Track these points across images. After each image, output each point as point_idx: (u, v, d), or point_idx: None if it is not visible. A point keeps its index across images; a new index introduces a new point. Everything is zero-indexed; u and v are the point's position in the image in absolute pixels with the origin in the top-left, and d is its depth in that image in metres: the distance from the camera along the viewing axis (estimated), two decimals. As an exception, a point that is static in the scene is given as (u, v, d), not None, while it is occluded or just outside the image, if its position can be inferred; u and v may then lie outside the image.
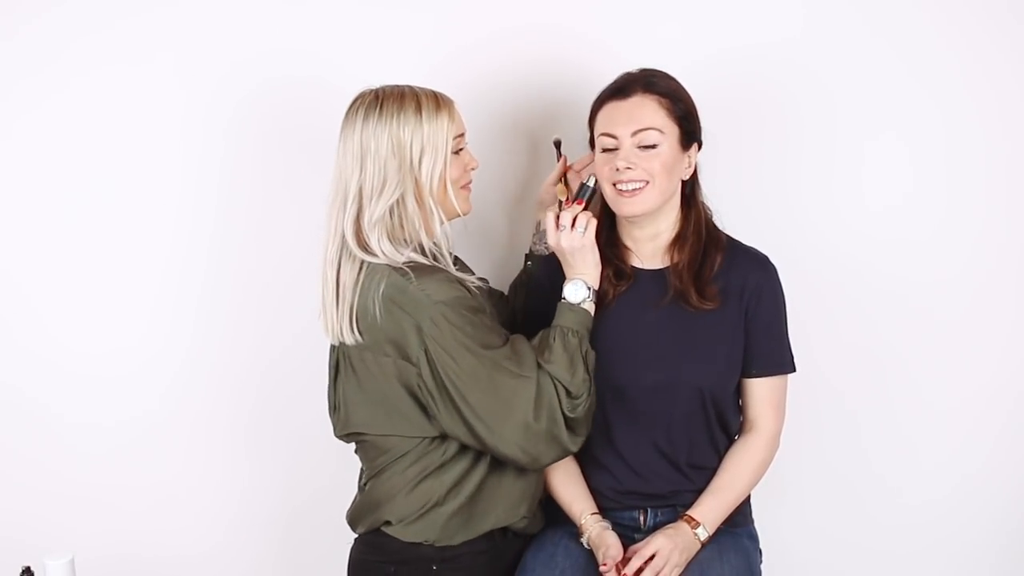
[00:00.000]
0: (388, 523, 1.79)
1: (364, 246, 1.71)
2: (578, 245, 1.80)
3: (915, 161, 2.13)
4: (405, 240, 1.73)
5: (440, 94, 1.75)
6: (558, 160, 2.02)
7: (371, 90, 1.75)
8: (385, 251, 1.70)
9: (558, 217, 1.81)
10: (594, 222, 1.81)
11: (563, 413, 1.73)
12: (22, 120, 2.14)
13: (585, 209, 1.83)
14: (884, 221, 2.14)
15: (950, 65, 2.09)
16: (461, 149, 1.78)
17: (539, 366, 1.73)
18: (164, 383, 2.24)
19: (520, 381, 1.71)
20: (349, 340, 1.73)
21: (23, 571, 1.76)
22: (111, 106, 2.13)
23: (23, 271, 2.19)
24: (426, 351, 1.68)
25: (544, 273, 1.95)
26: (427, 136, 1.70)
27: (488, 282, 1.95)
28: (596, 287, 1.82)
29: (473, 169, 1.82)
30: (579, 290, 1.80)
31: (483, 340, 1.70)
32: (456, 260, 1.83)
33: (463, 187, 1.79)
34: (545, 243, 1.95)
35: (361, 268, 1.71)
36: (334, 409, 1.85)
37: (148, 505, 2.27)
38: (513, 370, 1.71)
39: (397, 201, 1.71)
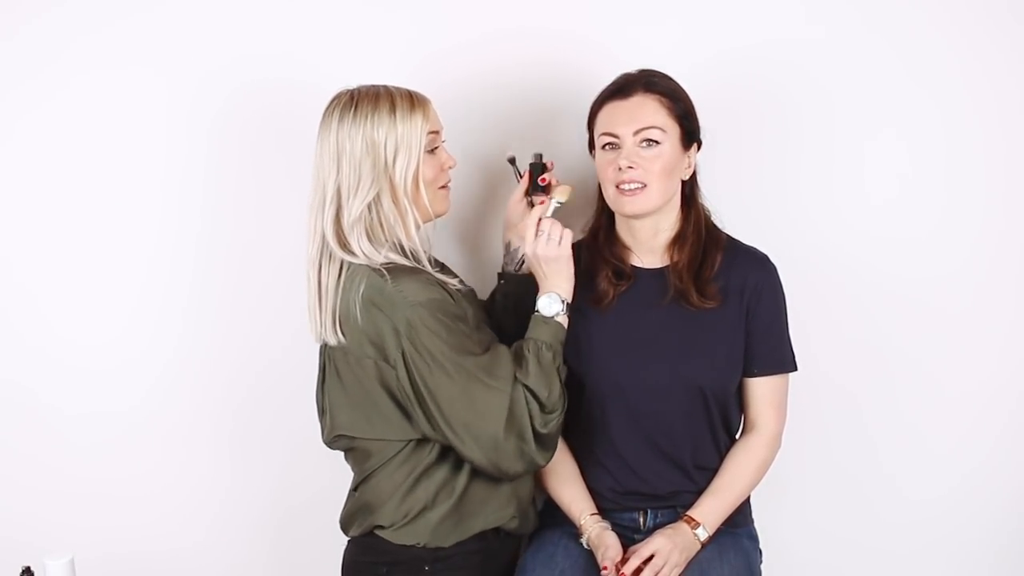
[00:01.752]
0: (380, 527, 1.79)
1: (344, 246, 1.71)
2: (553, 255, 1.78)
3: (914, 160, 2.12)
4: (384, 239, 1.73)
5: (416, 93, 1.75)
6: (518, 177, 1.97)
7: (347, 90, 1.75)
8: (365, 251, 1.70)
9: (539, 223, 1.79)
10: (569, 235, 1.80)
11: (533, 428, 1.71)
12: (21, 120, 2.15)
13: (541, 183, 1.84)
14: (884, 219, 2.14)
15: (949, 64, 2.08)
16: (436, 147, 1.77)
17: (515, 379, 1.72)
18: (162, 384, 2.23)
19: (493, 393, 1.70)
20: (332, 341, 1.73)
21: (23, 571, 1.76)
22: (109, 107, 2.13)
23: (22, 271, 2.19)
24: (403, 353, 1.67)
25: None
26: (401, 136, 1.70)
27: (475, 293, 1.95)
28: (569, 301, 1.81)
29: (450, 167, 1.81)
30: (553, 303, 1.78)
31: (460, 346, 1.69)
32: (437, 263, 1.82)
33: (441, 187, 1.78)
34: (519, 262, 1.94)
35: (342, 269, 1.71)
36: (322, 412, 1.84)
37: (148, 506, 2.27)
38: (487, 382, 1.70)
39: (373, 200, 1.71)
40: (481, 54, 2.10)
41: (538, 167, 1.89)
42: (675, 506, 1.90)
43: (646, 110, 1.81)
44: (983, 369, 2.17)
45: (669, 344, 1.87)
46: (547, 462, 1.78)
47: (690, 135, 1.86)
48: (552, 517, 1.97)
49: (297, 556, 2.29)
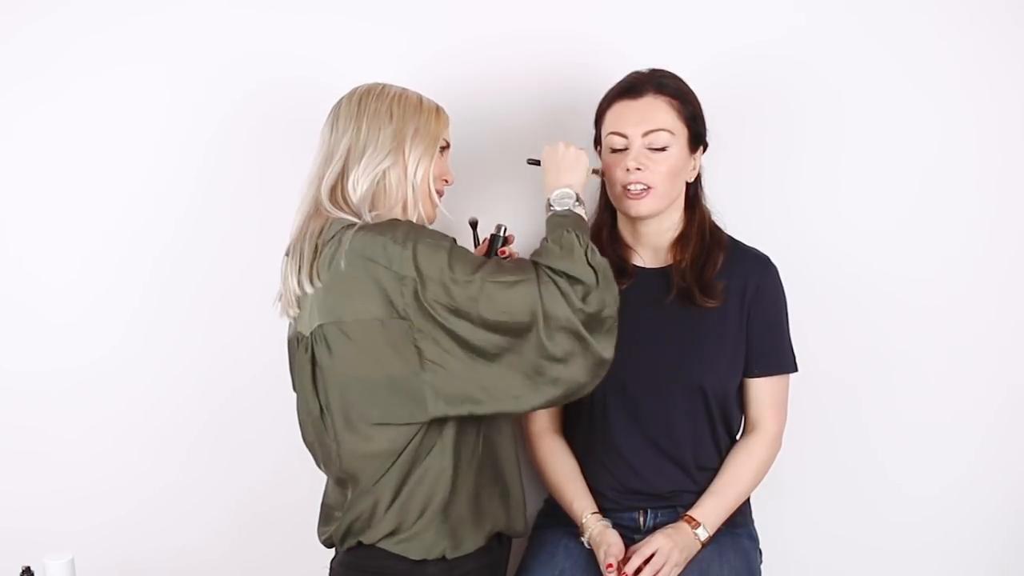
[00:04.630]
0: (391, 535, 1.66)
1: (337, 202, 1.66)
2: (574, 154, 1.73)
3: (915, 161, 2.13)
4: (384, 214, 1.68)
5: (441, 106, 1.75)
6: (476, 243, 1.92)
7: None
8: (358, 209, 1.65)
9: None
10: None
11: (572, 307, 1.57)
12: (21, 121, 2.15)
13: (500, 255, 1.80)
14: (884, 219, 2.14)
15: (949, 65, 2.10)
16: (444, 154, 1.76)
17: (534, 266, 1.61)
18: (159, 388, 2.24)
19: (516, 288, 1.58)
20: (308, 288, 1.64)
21: (23, 571, 1.76)
22: (111, 105, 2.14)
23: (21, 271, 2.20)
24: (414, 292, 1.57)
25: None
26: (423, 122, 1.69)
27: None
28: (582, 196, 1.72)
29: (448, 182, 1.78)
30: (565, 197, 1.69)
31: (465, 259, 1.60)
32: None
33: (435, 189, 1.75)
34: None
35: (322, 230, 1.65)
36: (321, 412, 1.70)
37: (143, 509, 2.27)
38: (507, 279, 1.58)
39: (383, 172, 1.67)
40: (484, 53, 2.11)
41: (499, 239, 1.85)
42: (675, 506, 1.90)
43: (656, 112, 1.82)
44: (982, 368, 2.18)
45: (670, 343, 1.87)
46: (610, 353, 1.60)
47: (697, 137, 1.86)
48: (552, 517, 1.98)
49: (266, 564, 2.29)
